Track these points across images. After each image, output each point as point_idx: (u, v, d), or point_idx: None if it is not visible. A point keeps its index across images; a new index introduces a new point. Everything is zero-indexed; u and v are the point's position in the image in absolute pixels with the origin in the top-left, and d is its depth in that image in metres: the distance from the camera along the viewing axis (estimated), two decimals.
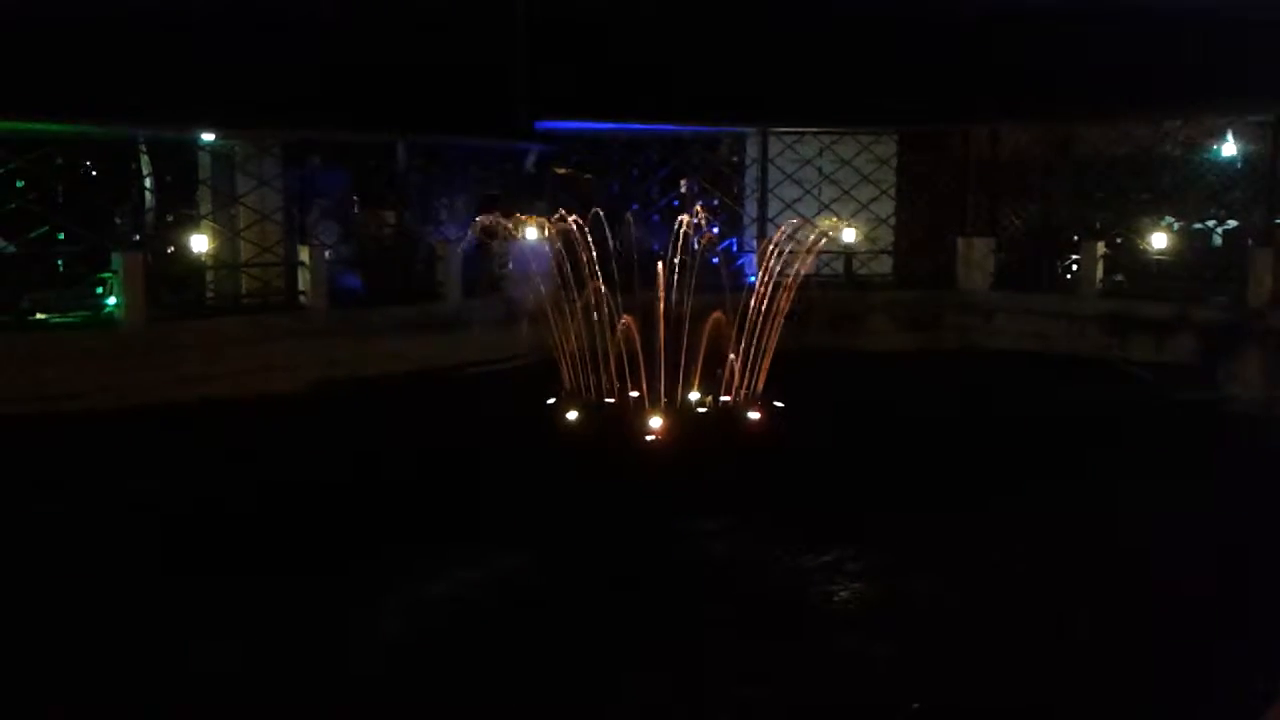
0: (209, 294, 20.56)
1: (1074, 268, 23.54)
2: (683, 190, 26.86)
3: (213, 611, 9.55)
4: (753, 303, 15.87)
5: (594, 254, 15.93)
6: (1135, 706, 8.15)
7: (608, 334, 15.33)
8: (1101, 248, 22.75)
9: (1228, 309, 20.40)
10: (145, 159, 20.53)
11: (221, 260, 21.01)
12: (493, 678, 8.58)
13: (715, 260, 19.35)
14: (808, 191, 25.76)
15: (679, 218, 17.07)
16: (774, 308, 15.91)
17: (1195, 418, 17.38)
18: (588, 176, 26.70)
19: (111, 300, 18.36)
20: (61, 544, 11.29)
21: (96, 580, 10.27)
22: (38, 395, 15.83)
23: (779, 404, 15.71)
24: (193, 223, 21.13)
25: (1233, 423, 17.08)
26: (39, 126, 18.36)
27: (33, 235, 19.57)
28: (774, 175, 25.70)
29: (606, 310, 15.44)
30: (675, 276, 15.99)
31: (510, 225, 17.87)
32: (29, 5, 17.56)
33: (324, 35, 20.17)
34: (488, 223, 18.41)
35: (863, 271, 25.22)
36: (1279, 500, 12.55)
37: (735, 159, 26.89)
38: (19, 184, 20.27)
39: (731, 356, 15.34)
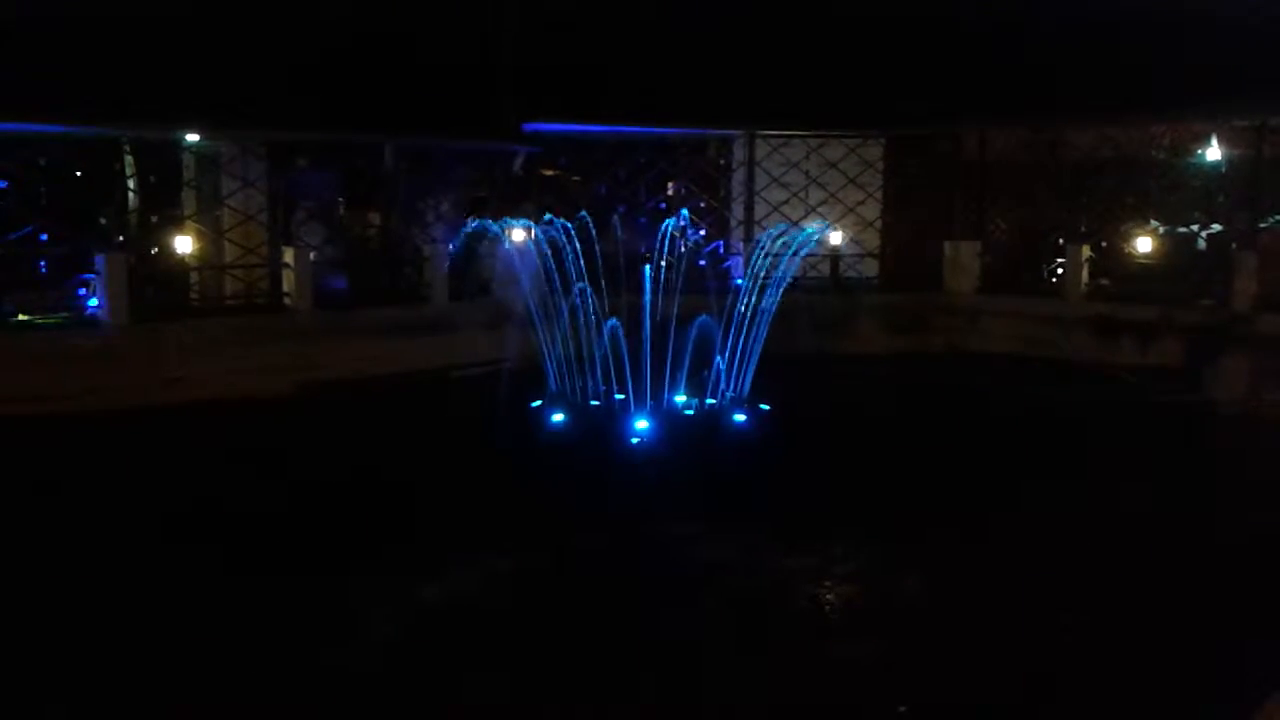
0: (193, 295, 20.46)
1: (1059, 271, 23.62)
2: (669, 193, 26.86)
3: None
4: (739, 305, 15.87)
5: (580, 256, 15.91)
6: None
7: (594, 336, 15.31)
8: (1087, 251, 22.85)
9: (1212, 312, 20.49)
10: (129, 159, 20.41)
11: (206, 261, 20.91)
12: (488, 677, 8.53)
13: (702, 263, 19.34)
14: (795, 194, 25.79)
15: (666, 220, 17.07)
16: (760, 310, 15.92)
17: (1178, 420, 17.44)
18: (575, 179, 26.68)
19: (94, 302, 18.25)
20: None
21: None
22: (15, 397, 15.69)
23: (765, 406, 15.71)
24: (177, 224, 21.01)
25: (1215, 425, 17.15)
26: (22, 126, 18.23)
27: (15, 236, 19.44)
28: (761, 178, 25.71)
29: (593, 312, 15.42)
30: (662, 279, 15.99)
31: (497, 228, 17.85)
32: (12, 5, 17.46)
33: (310, 36, 20.08)
34: (477, 229, 18.40)
35: (849, 274, 25.24)
36: (1251, 501, 12.71)
37: (722, 161, 26.88)
38: (1, 184, 20.13)
39: (718, 359, 15.34)
